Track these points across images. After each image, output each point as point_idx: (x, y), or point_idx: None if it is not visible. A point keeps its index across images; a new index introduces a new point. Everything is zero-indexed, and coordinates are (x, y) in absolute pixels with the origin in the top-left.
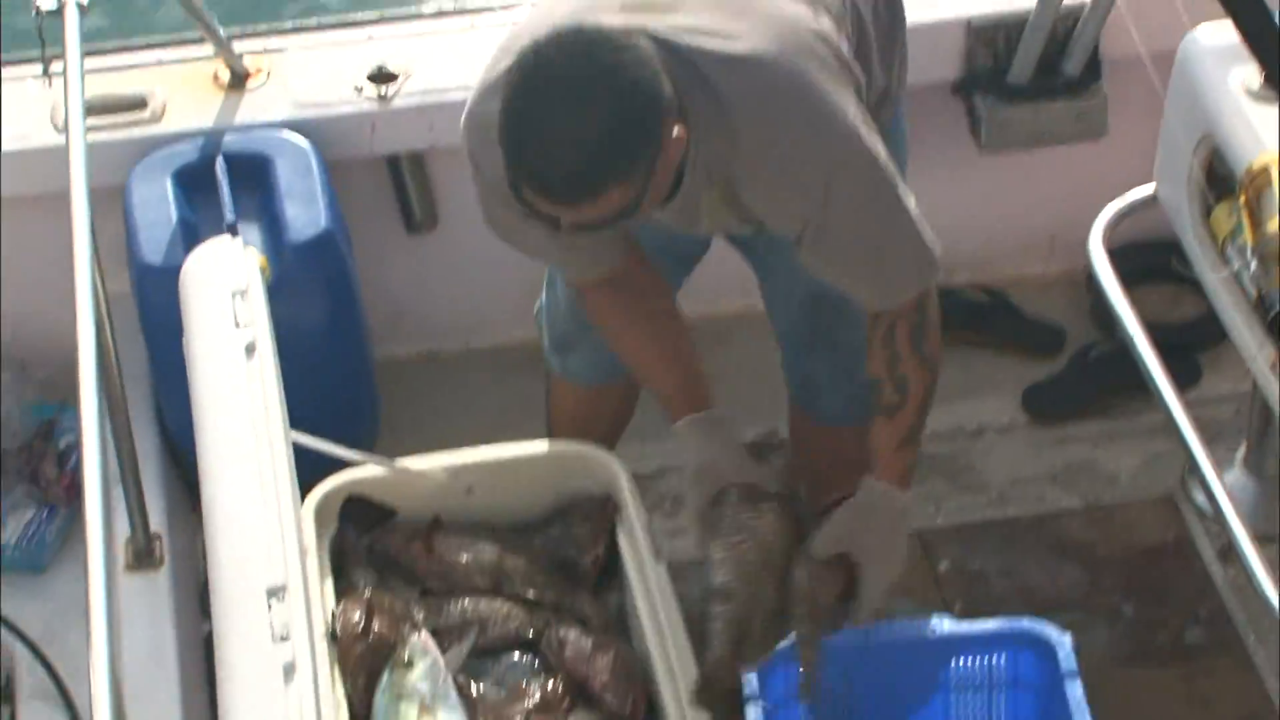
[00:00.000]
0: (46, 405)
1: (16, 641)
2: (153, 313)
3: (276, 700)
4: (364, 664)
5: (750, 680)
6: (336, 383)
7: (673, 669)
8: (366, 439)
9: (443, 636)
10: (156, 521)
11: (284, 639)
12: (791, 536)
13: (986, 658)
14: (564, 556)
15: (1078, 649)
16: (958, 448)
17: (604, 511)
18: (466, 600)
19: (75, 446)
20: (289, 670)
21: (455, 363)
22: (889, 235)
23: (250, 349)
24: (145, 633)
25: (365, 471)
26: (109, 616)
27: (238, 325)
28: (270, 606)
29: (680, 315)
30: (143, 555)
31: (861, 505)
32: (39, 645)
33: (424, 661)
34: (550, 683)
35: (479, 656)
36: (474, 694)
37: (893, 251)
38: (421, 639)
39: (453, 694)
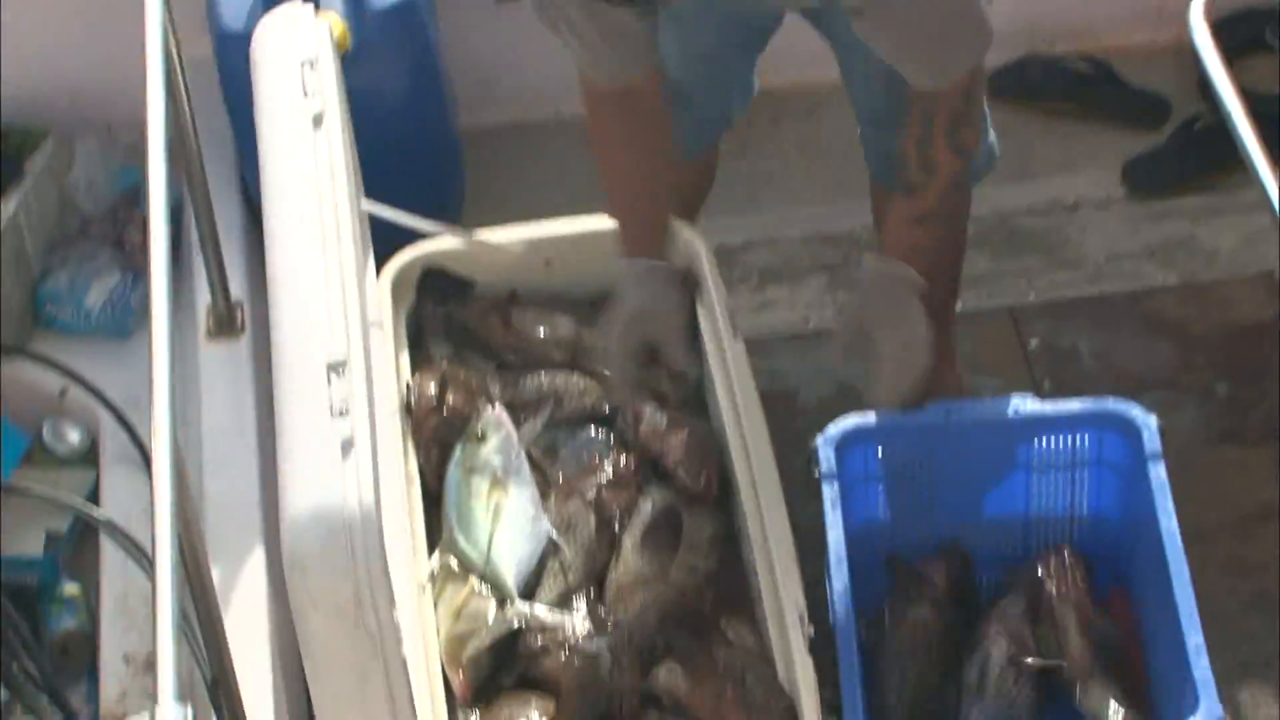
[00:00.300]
0: (132, 170)
1: (101, 407)
2: (232, 79)
3: (334, 475)
4: (438, 436)
5: (828, 457)
6: (419, 154)
7: (746, 447)
8: (451, 211)
9: (518, 410)
10: (238, 289)
11: (343, 414)
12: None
13: (1070, 438)
14: None
15: (1163, 430)
16: (1053, 222)
17: (684, 285)
18: (543, 374)
19: None
20: (347, 446)
21: (544, 132)
22: (950, 3)
23: (318, 119)
24: (225, 400)
25: (443, 243)
26: (171, 384)
27: (306, 94)
28: (330, 381)
29: (673, 162)
30: (224, 322)
31: (868, 285)
32: (123, 411)
33: (497, 435)
34: (623, 458)
35: (553, 431)
36: (546, 468)
37: (952, 22)
38: (496, 413)
39: (525, 468)
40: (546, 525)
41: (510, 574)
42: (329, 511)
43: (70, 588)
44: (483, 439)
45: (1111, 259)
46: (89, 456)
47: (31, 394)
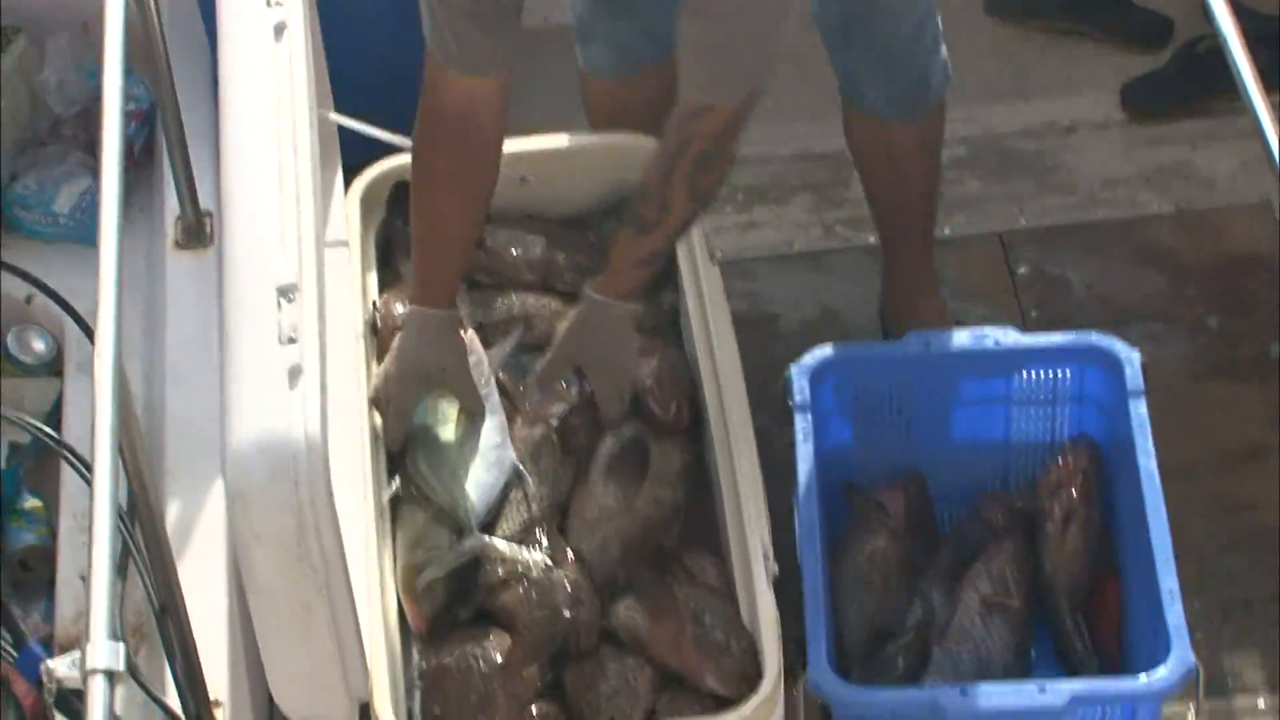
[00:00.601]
0: None
1: (67, 316)
2: None
3: (280, 405)
4: None
5: (802, 388)
6: (396, 65)
7: (718, 377)
8: None
9: (488, 332)
10: (208, 198)
11: (291, 341)
12: None
13: (1051, 372)
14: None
15: (1146, 366)
16: (1047, 145)
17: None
18: (514, 295)
19: (133, 116)
20: (295, 374)
21: (529, 40)
22: (759, 15)
23: (280, 29)
24: (192, 312)
25: None
26: (117, 294)
27: (269, 4)
28: (279, 306)
29: (490, 194)
30: (192, 232)
31: (584, 318)
32: (89, 320)
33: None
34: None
35: (524, 354)
36: (513, 392)
37: (750, 35)
38: (466, 336)
39: (495, 395)
40: (511, 455)
41: (471, 503)
42: (274, 442)
43: (32, 501)
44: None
45: (1106, 184)
46: (54, 366)
47: None
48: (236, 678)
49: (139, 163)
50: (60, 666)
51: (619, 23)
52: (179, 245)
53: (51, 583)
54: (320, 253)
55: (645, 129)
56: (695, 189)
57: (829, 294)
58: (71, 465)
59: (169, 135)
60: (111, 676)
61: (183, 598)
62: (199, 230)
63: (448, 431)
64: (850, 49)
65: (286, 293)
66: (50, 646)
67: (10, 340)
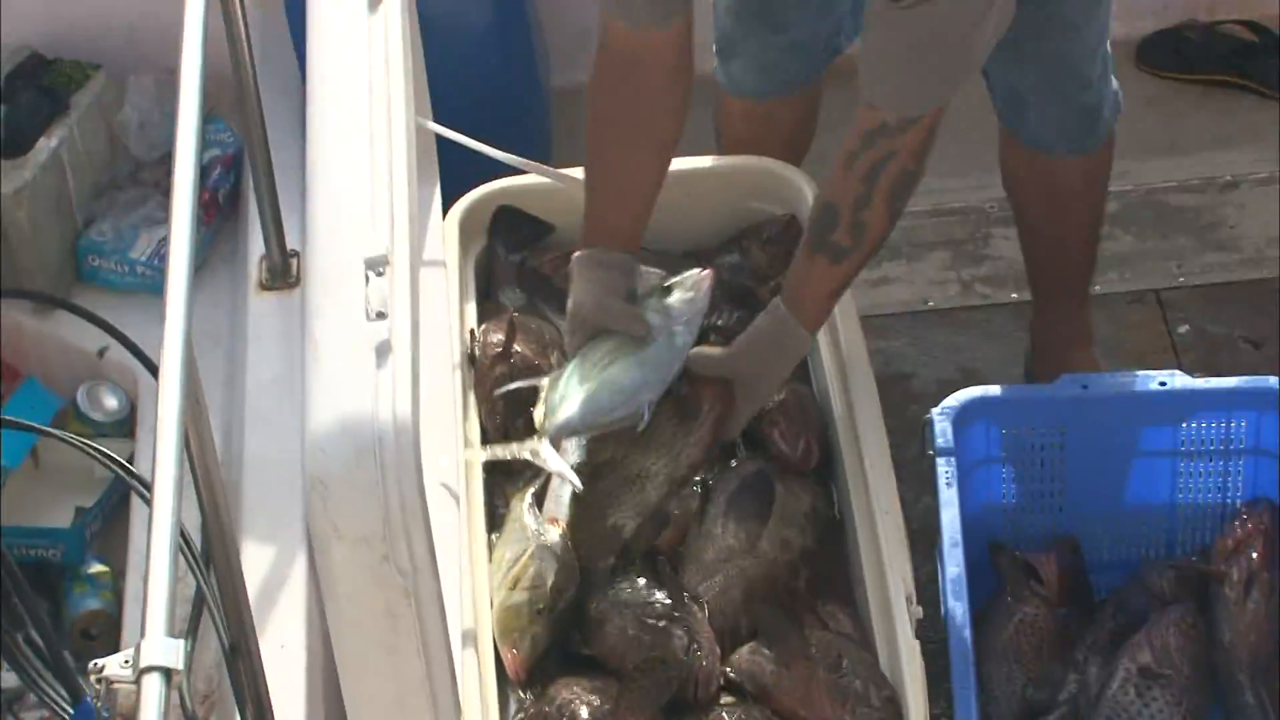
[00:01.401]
0: None
1: (141, 369)
2: (298, 12)
3: (366, 384)
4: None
5: (944, 431)
6: (503, 108)
7: (853, 415)
8: None
9: None
10: (295, 239)
11: (380, 316)
12: None
13: (1224, 421)
14: (740, 285)
15: None
16: (1207, 201)
17: (786, 234)
18: None
19: (219, 161)
20: (383, 351)
21: None
22: (958, 17)
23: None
24: (274, 354)
25: (520, 181)
26: (186, 321)
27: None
28: (367, 280)
29: (673, 143)
30: (277, 273)
31: (766, 331)
32: None
33: (690, 292)
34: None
35: None
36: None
37: (950, 40)
38: (704, 274)
39: (688, 340)
40: (651, 399)
41: (576, 410)
42: (358, 423)
43: (97, 567)
44: (668, 291)
45: (1272, 242)
46: (126, 426)
47: (67, 354)
48: None
49: (224, 210)
50: (112, 665)
51: (770, 38)
52: (263, 286)
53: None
54: (415, 228)
55: (789, 159)
56: (894, 209)
57: (968, 353)
58: (139, 495)
59: (256, 169)
60: (169, 675)
61: (256, 638)
62: (285, 271)
63: (612, 344)
64: (1020, 66)
65: (375, 266)
66: None
67: (81, 396)
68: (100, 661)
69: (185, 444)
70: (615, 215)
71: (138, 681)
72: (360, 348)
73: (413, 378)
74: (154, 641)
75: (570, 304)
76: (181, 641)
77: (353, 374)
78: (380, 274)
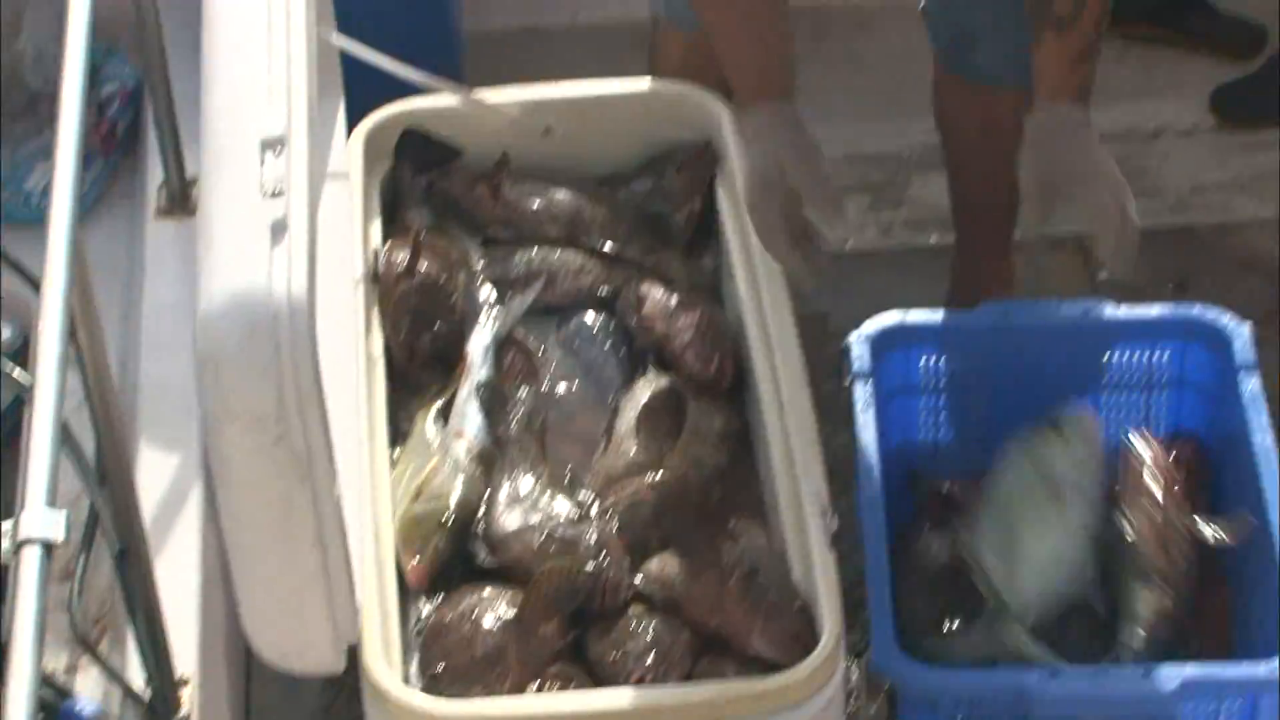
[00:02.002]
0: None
1: (35, 299)
2: None
3: (260, 261)
4: (407, 305)
5: (861, 356)
6: (411, 48)
7: (769, 338)
8: None
9: (504, 288)
10: (195, 167)
11: (277, 194)
12: None
13: (1148, 352)
14: (653, 212)
15: (1258, 342)
16: (1132, 149)
17: (703, 161)
18: (535, 250)
19: (118, 94)
20: (279, 229)
21: (557, 39)
22: None
23: None
24: (170, 280)
25: (428, 102)
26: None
27: None
28: (264, 160)
29: None
30: (176, 200)
31: (1042, 133)
32: None
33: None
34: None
35: (545, 314)
36: (534, 356)
37: None
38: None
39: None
40: None
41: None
42: (252, 300)
43: None
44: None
45: (1196, 190)
46: (21, 355)
47: None
48: (208, 653)
49: (124, 144)
50: None
51: None
52: (161, 213)
53: None
54: (314, 110)
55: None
56: None
57: (887, 294)
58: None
59: (154, 90)
60: (49, 549)
61: (146, 544)
62: (183, 198)
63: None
64: (970, 8)
65: (273, 145)
66: None
67: None
68: None
69: (71, 331)
70: (764, 56)
71: (17, 553)
72: (256, 225)
73: (309, 257)
74: (34, 512)
75: (752, 174)
76: (63, 513)
77: (247, 251)
78: (278, 154)
